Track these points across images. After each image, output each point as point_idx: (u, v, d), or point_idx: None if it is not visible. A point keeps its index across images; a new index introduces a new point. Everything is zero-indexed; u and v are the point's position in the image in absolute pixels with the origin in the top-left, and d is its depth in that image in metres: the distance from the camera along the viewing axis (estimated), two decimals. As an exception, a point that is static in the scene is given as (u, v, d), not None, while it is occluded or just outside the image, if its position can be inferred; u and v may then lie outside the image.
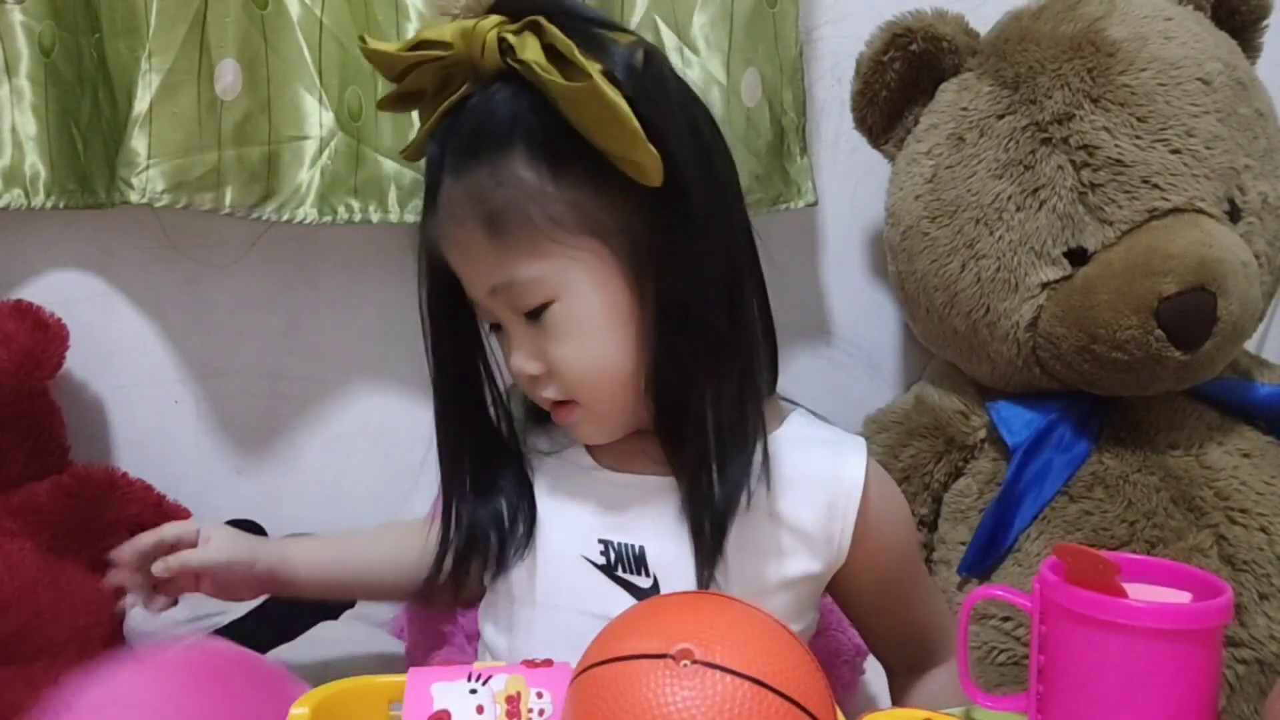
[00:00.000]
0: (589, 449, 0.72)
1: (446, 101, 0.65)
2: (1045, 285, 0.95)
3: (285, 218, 1.04)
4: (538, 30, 0.61)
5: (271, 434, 1.15)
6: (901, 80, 1.05)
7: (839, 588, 0.73)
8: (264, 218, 1.03)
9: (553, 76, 0.59)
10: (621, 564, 0.68)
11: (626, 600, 0.67)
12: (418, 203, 1.05)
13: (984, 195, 0.97)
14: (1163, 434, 0.98)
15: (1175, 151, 0.92)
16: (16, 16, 0.98)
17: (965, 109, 1.00)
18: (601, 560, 0.69)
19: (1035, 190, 0.95)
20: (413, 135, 1.03)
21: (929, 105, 1.05)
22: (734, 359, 0.66)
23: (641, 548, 0.68)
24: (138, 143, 0.98)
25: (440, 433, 0.73)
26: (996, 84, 0.99)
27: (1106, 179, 0.93)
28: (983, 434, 1.04)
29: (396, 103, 0.68)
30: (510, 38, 0.61)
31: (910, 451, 1.06)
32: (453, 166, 0.65)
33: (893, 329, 1.25)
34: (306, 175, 1.04)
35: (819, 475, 0.69)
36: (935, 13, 1.04)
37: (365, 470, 1.16)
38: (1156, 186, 0.92)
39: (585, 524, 0.70)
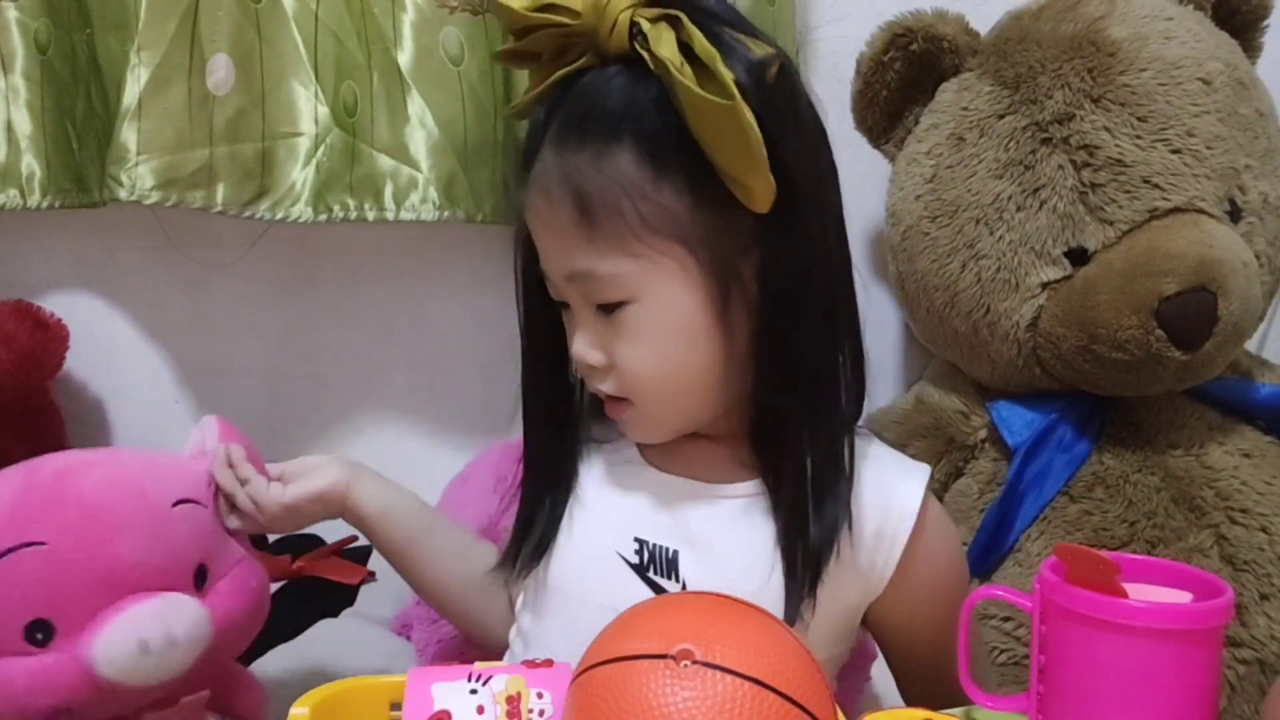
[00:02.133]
0: (639, 445, 0.72)
1: (562, 71, 0.63)
2: (1046, 285, 0.95)
3: (279, 216, 1.03)
4: (676, 25, 0.58)
5: (271, 434, 1.14)
6: (902, 80, 1.05)
7: (872, 620, 0.72)
8: (257, 216, 1.02)
9: (688, 82, 0.57)
10: (654, 565, 0.68)
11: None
12: (415, 200, 1.05)
13: (984, 195, 0.97)
14: (1163, 434, 0.98)
15: (1176, 151, 0.92)
16: (11, 14, 0.97)
17: (966, 109, 1.00)
18: (635, 559, 0.68)
19: (1036, 190, 0.95)
20: (409, 132, 1.04)
21: (929, 105, 1.05)
22: (829, 394, 0.65)
23: (676, 552, 0.67)
24: (127, 139, 0.96)
25: (527, 408, 0.73)
26: (997, 84, 0.99)
27: (1107, 179, 0.93)
28: (983, 434, 1.04)
29: (512, 58, 0.66)
30: (645, 24, 0.58)
31: (910, 451, 1.05)
32: (556, 140, 0.63)
33: (893, 329, 1.25)
34: (301, 172, 1.03)
35: (870, 502, 0.67)
36: (935, 13, 1.04)
37: (365, 470, 1.16)
38: (1157, 186, 0.92)
39: (624, 520, 0.69)
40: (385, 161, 1.04)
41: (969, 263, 0.98)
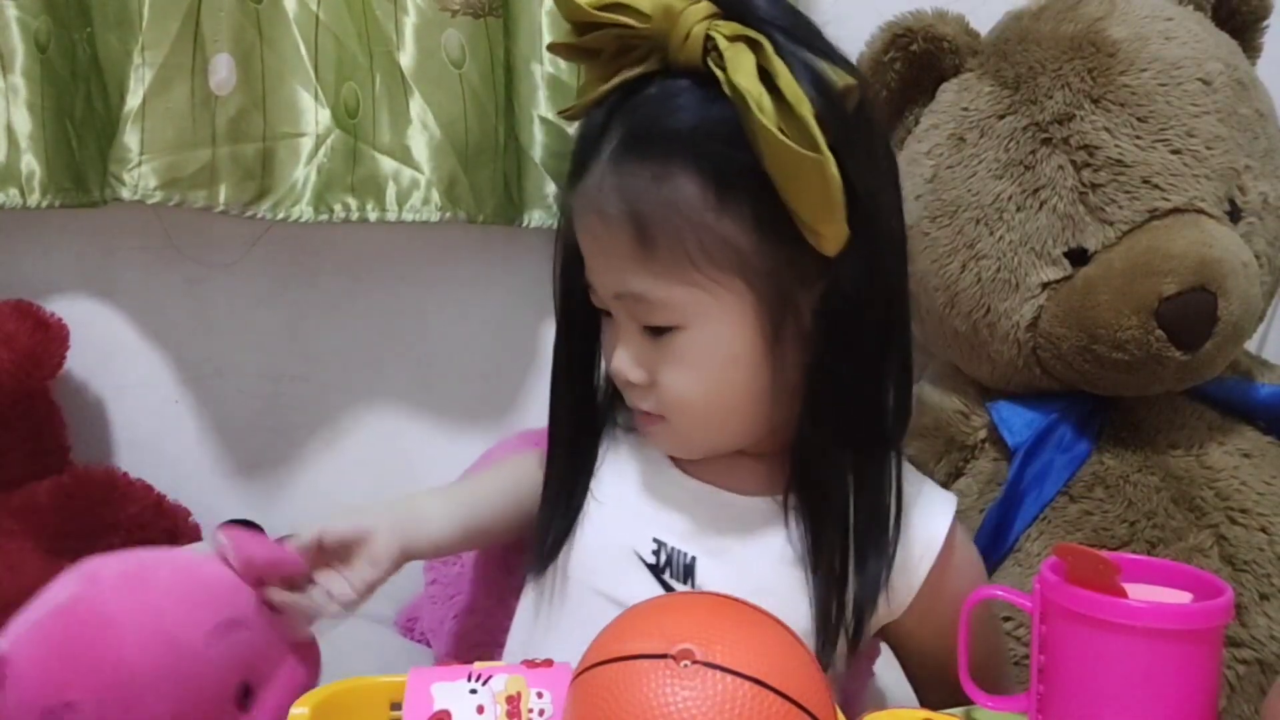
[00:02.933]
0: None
1: (625, 75, 0.59)
2: (1045, 285, 0.95)
3: (281, 216, 1.03)
4: (757, 49, 0.55)
5: (271, 434, 1.15)
6: (902, 80, 1.05)
7: (888, 633, 0.71)
8: (259, 216, 1.02)
9: (769, 123, 0.54)
10: (670, 569, 0.66)
11: None
12: (416, 201, 1.06)
13: (984, 195, 0.97)
14: (1163, 434, 0.98)
15: (1176, 152, 0.92)
16: (11, 12, 0.97)
17: (966, 109, 1.00)
18: (651, 559, 0.67)
19: (1036, 190, 0.95)
20: (411, 133, 1.04)
21: (929, 105, 1.05)
22: (874, 428, 0.63)
23: (694, 559, 0.66)
24: (130, 139, 0.97)
25: (555, 395, 0.70)
26: (997, 84, 0.99)
27: (1107, 179, 0.92)
28: (983, 434, 1.04)
29: (570, 52, 0.63)
30: (722, 41, 0.55)
31: (910, 451, 1.05)
32: (616, 152, 0.60)
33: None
34: (302, 172, 1.03)
35: (904, 530, 0.67)
36: (936, 13, 1.04)
37: (365, 470, 1.16)
38: (1157, 187, 0.92)
39: (644, 517, 0.68)
40: (387, 163, 1.05)
41: (969, 263, 0.98)
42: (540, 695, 0.57)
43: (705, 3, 0.57)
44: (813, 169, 0.54)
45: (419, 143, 1.04)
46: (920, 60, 1.03)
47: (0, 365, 0.94)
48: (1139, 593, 0.62)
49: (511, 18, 1.05)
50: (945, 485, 1.05)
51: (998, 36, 1.02)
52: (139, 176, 0.97)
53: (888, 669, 0.99)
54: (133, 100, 0.97)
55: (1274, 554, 0.92)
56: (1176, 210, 0.92)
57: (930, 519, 0.67)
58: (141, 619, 0.63)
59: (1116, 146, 0.92)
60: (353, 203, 1.04)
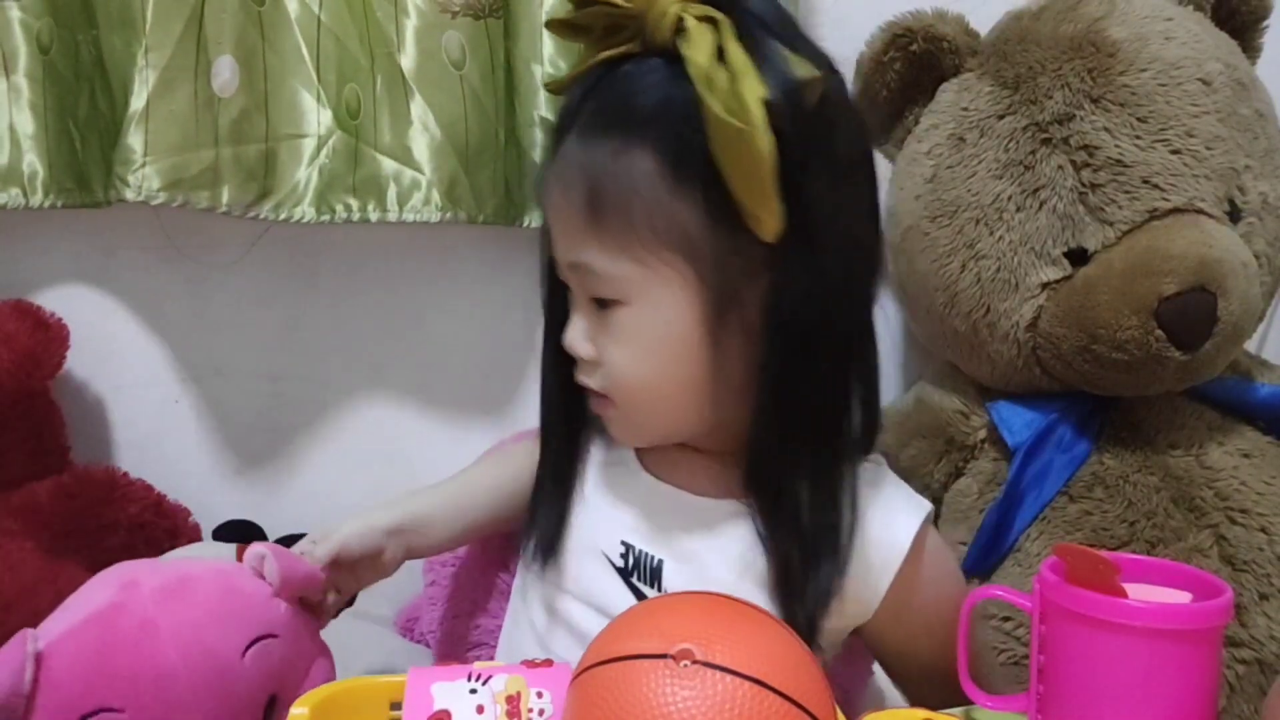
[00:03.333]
0: (637, 450, 0.71)
1: (605, 54, 0.61)
2: (1045, 285, 0.95)
3: (283, 216, 1.03)
4: (718, 28, 0.56)
5: (271, 434, 1.15)
6: (902, 80, 1.05)
7: (861, 634, 0.71)
8: (261, 216, 1.03)
9: (707, 95, 0.54)
10: (638, 571, 0.67)
11: (633, 604, 0.66)
12: (417, 201, 1.06)
13: (984, 195, 0.97)
14: (1163, 434, 0.98)
15: (1175, 152, 0.92)
16: (14, 13, 0.98)
17: (965, 109, 1.00)
18: (620, 562, 0.68)
19: (1035, 190, 0.95)
20: (412, 134, 1.05)
21: (929, 105, 1.05)
22: (831, 439, 0.63)
23: (660, 561, 0.67)
24: (134, 140, 0.97)
25: (545, 390, 0.71)
26: (997, 84, 0.99)
27: (1107, 179, 0.92)
28: (983, 434, 1.04)
29: (563, 28, 0.64)
30: (689, 20, 0.56)
31: (910, 451, 1.06)
32: (583, 126, 0.62)
33: (893, 329, 1.25)
34: (304, 173, 1.04)
35: (864, 536, 0.66)
36: (935, 13, 1.04)
37: (365, 470, 1.16)
38: (1157, 187, 0.92)
39: (614, 521, 0.69)
40: (388, 163, 1.05)
41: (969, 263, 0.98)
42: (540, 695, 0.57)
43: None
44: (741, 140, 0.54)
45: (420, 144, 1.05)
46: (920, 60, 1.03)
47: (0, 365, 0.94)
48: (1139, 593, 0.62)
49: (512, 19, 1.05)
50: (945, 485, 1.05)
51: (998, 36, 1.02)
52: (143, 178, 0.98)
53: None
54: (137, 102, 0.97)
55: (1274, 554, 0.92)
56: (1176, 210, 0.92)
57: (892, 527, 0.66)
58: (182, 630, 0.64)
59: (1116, 146, 0.92)
60: (354, 203, 1.05)
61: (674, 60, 0.58)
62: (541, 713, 0.56)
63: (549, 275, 0.67)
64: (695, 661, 0.49)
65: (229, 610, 0.66)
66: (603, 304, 0.63)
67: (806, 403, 0.61)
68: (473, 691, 0.57)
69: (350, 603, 0.73)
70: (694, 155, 0.57)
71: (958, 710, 0.70)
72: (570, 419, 0.71)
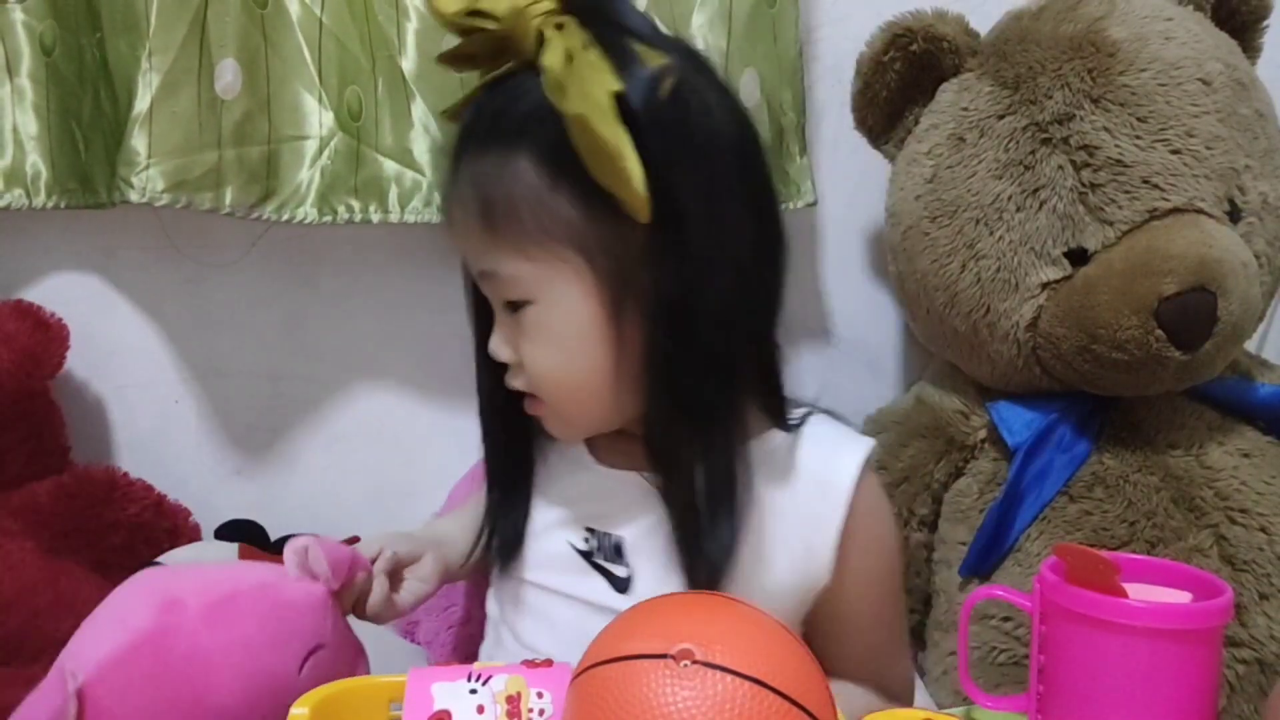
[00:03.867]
0: (586, 441, 0.73)
1: (489, 76, 0.64)
2: (1045, 285, 0.95)
3: (285, 218, 1.04)
4: (571, 33, 0.59)
5: (271, 434, 1.15)
6: (902, 80, 1.05)
7: (817, 613, 0.70)
8: (264, 217, 1.03)
9: (557, 96, 0.58)
10: (602, 551, 0.70)
11: (604, 586, 0.69)
12: (418, 203, 1.06)
13: (984, 195, 0.97)
14: (1163, 434, 0.98)
15: (1175, 152, 0.92)
16: (18, 16, 0.98)
17: (965, 109, 1.00)
18: (584, 547, 0.71)
19: (1035, 190, 0.95)
20: (411, 136, 1.05)
21: (929, 105, 1.05)
22: (715, 411, 0.64)
23: (620, 538, 0.69)
24: (138, 142, 0.98)
25: (481, 405, 0.74)
26: (997, 84, 0.99)
27: (1107, 179, 0.93)
28: (983, 434, 1.04)
29: (453, 60, 0.67)
30: (548, 31, 0.59)
31: (910, 451, 1.06)
32: (472, 143, 0.66)
33: (893, 329, 1.25)
34: (306, 175, 1.04)
35: (805, 479, 0.68)
36: (935, 13, 1.04)
37: (365, 470, 1.16)
38: (1157, 187, 0.92)
39: (575, 511, 0.72)
40: (389, 165, 1.06)
41: (969, 263, 0.98)
42: (540, 695, 0.57)
43: (546, 1, 0.60)
44: (587, 131, 0.57)
45: (421, 145, 1.06)
46: (920, 60, 1.04)
47: (0, 365, 0.94)
48: (1139, 593, 0.62)
49: (512, 20, 1.05)
50: (945, 485, 1.05)
51: (997, 36, 1.03)
52: (147, 179, 0.98)
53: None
54: (141, 104, 0.98)
55: (1274, 554, 0.92)
56: (1176, 210, 0.92)
57: (839, 466, 0.68)
58: (235, 654, 0.60)
59: (1116, 146, 0.93)
60: (355, 204, 1.06)
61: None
62: (541, 713, 0.56)
63: (471, 290, 0.71)
64: (695, 661, 0.49)
65: (282, 627, 0.63)
66: (514, 307, 0.65)
67: (693, 381, 0.63)
68: (473, 691, 0.56)
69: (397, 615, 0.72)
70: (567, 153, 0.59)
71: (958, 710, 0.70)
72: (508, 425, 0.73)
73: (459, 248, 0.69)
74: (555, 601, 0.71)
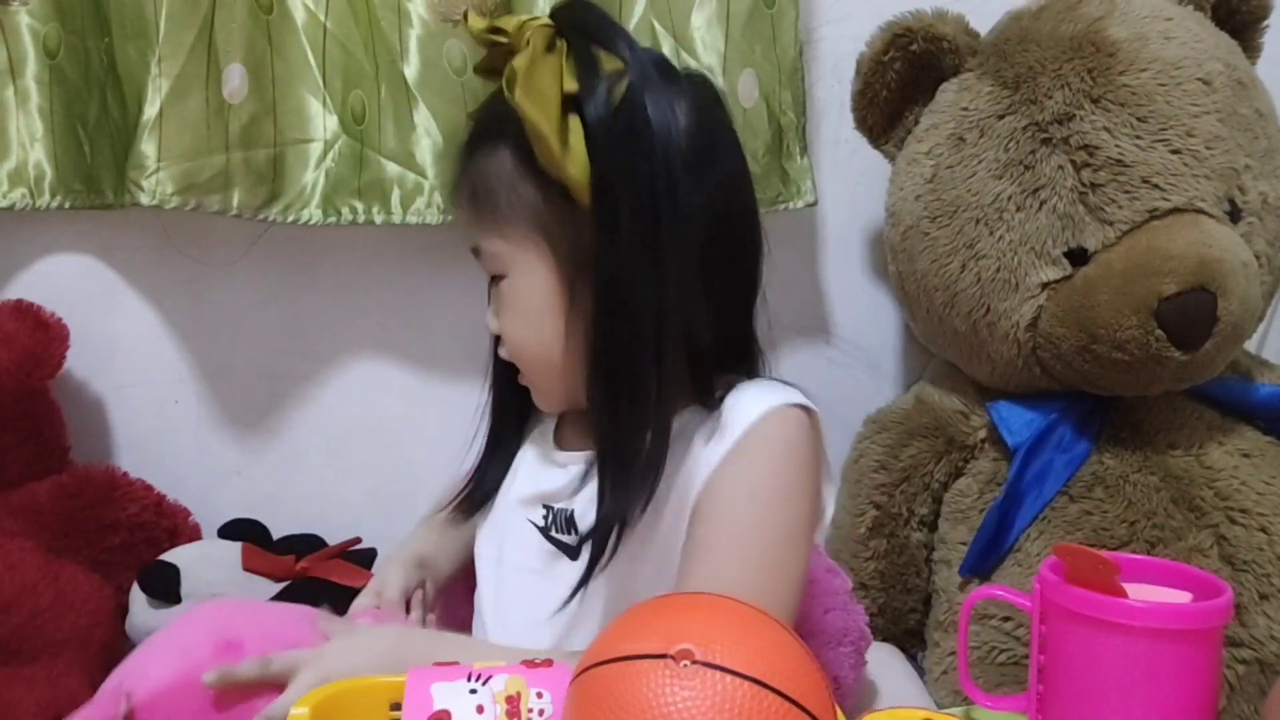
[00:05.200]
0: (555, 428, 0.81)
1: (499, 84, 0.71)
2: (1045, 285, 0.95)
3: (290, 219, 1.05)
4: (543, 41, 0.67)
5: (271, 434, 1.15)
6: (902, 80, 1.05)
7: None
8: (270, 219, 1.04)
9: (511, 94, 0.66)
10: (555, 525, 0.76)
11: (558, 557, 0.75)
12: (420, 205, 1.07)
13: (984, 195, 0.97)
14: (1163, 434, 0.98)
15: (1175, 152, 0.92)
16: (22, 18, 0.99)
17: (965, 109, 1.00)
18: (542, 524, 0.77)
19: (1035, 190, 0.95)
20: (413, 139, 1.06)
21: (929, 105, 1.05)
22: (631, 387, 0.69)
23: (572, 511, 0.75)
24: (147, 146, 0.99)
25: (492, 372, 0.81)
26: (997, 84, 0.99)
27: (1107, 179, 0.93)
28: (983, 434, 1.04)
29: (483, 72, 0.76)
30: (534, 40, 0.67)
31: (910, 451, 1.06)
32: (472, 138, 0.75)
33: (893, 329, 1.25)
34: (311, 177, 1.05)
35: (720, 439, 0.70)
36: (935, 13, 1.04)
37: (365, 470, 1.16)
38: (1157, 186, 0.92)
39: (538, 492, 0.78)
40: (392, 168, 1.07)
41: (969, 263, 0.98)
42: (540, 695, 0.57)
43: (544, 18, 0.70)
44: (519, 112, 0.65)
45: (423, 148, 1.06)
46: (920, 60, 1.04)
47: (0, 365, 0.94)
48: (1139, 593, 0.62)
49: (513, 24, 1.06)
50: (945, 485, 1.05)
51: (998, 36, 1.03)
52: (156, 183, 0.99)
53: (887, 669, 0.99)
54: (150, 109, 0.99)
55: (1274, 554, 0.92)
56: (1176, 210, 0.92)
57: (742, 413, 0.70)
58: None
59: (1116, 146, 0.93)
60: (359, 206, 1.07)
61: None
62: (541, 713, 0.56)
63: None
64: (695, 661, 0.49)
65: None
66: (495, 281, 0.74)
67: (624, 357, 0.69)
68: (473, 692, 0.56)
69: None
70: None
71: (958, 710, 0.70)
72: (505, 395, 0.81)
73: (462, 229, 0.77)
74: (520, 574, 0.77)
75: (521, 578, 0.77)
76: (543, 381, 0.75)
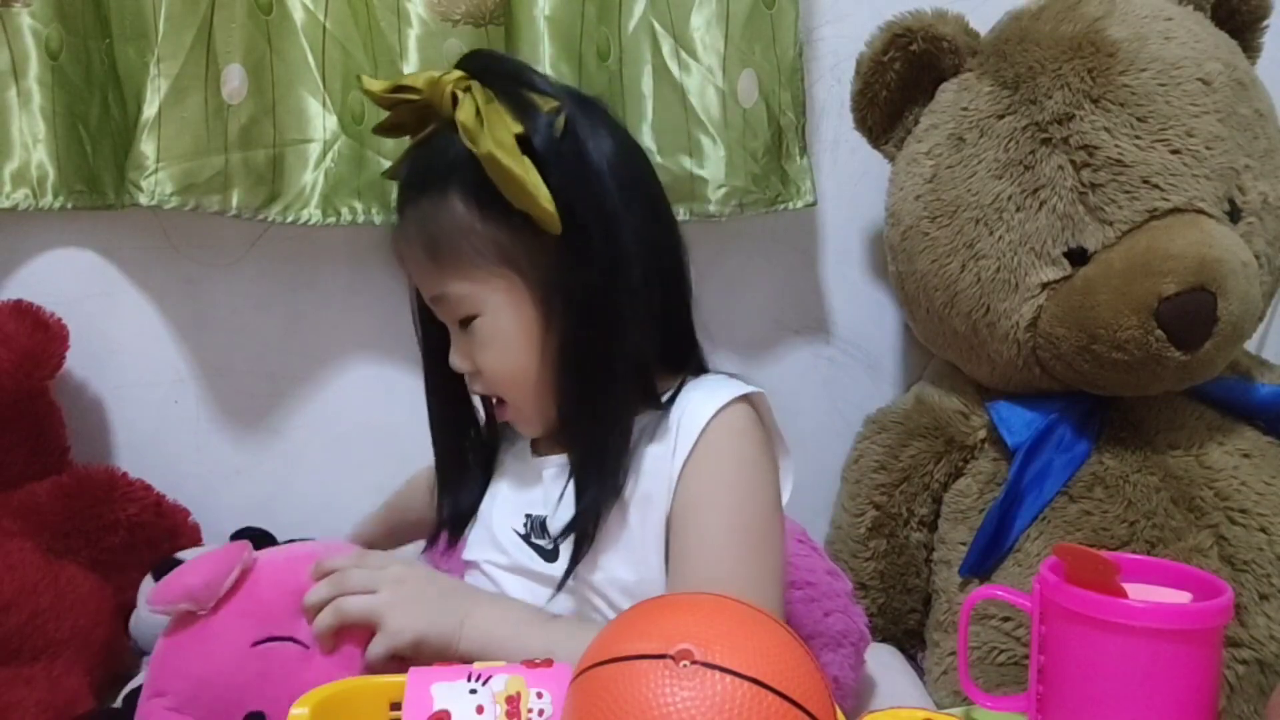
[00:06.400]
0: (531, 441, 0.83)
1: (418, 138, 0.76)
2: (1045, 285, 0.95)
3: (290, 219, 1.05)
4: (477, 93, 0.71)
5: (271, 434, 1.15)
6: (901, 80, 1.05)
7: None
8: (269, 220, 1.04)
9: (473, 143, 0.69)
10: (533, 531, 0.79)
11: (537, 560, 0.77)
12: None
13: (984, 195, 0.97)
14: (1163, 434, 0.98)
15: (1175, 152, 0.92)
16: (24, 20, 0.99)
17: (965, 109, 1.00)
18: (523, 530, 0.79)
19: (1035, 190, 0.95)
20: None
21: (929, 105, 1.05)
22: (593, 399, 0.73)
23: (545, 517, 0.78)
24: (146, 147, 0.99)
25: (431, 418, 0.84)
26: (996, 84, 0.99)
27: (1106, 179, 0.93)
28: (983, 434, 1.04)
29: (387, 130, 0.78)
30: (459, 94, 0.71)
31: (910, 451, 1.06)
32: (410, 193, 0.77)
33: (893, 329, 1.25)
34: (310, 177, 1.05)
35: (677, 436, 0.74)
36: (935, 13, 1.04)
37: (365, 470, 1.16)
38: (1156, 187, 0.92)
39: (519, 500, 0.81)
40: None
41: (969, 263, 0.98)
42: (540, 695, 0.57)
43: (457, 71, 0.73)
44: (491, 163, 0.69)
45: (421, 147, 1.06)
46: (920, 60, 1.04)
47: (0, 365, 0.94)
48: (1139, 593, 0.62)
49: (513, 26, 1.06)
50: (945, 485, 1.05)
51: (997, 36, 1.03)
52: (156, 183, 0.99)
53: (887, 669, 0.99)
54: (149, 110, 0.99)
55: (1274, 554, 0.92)
56: (1176, 210, 0.92)
57: (699, 408, 0.74)
58: None
59: (1116, 146, 0.93)
60: (358, 206, 1.07)
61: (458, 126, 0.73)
62: (541, 713, 0.56)
63: (418, 313, 0.82)
64: (695, 661, 0.49)
65: None
66: (465, 323, 0.75)
67: (586, 365, 0.74)
68: (472, 692, 0.57)
69: None
70: (488, 188, 0.70)
71: (958, 710, 0.70)
72: (449, 424, 0.84)
73: (412, 280, 0.79)
74: (507, 577, 0.80)
75: (507, 578, 0.80)
76: (526, 406, 0.77)
